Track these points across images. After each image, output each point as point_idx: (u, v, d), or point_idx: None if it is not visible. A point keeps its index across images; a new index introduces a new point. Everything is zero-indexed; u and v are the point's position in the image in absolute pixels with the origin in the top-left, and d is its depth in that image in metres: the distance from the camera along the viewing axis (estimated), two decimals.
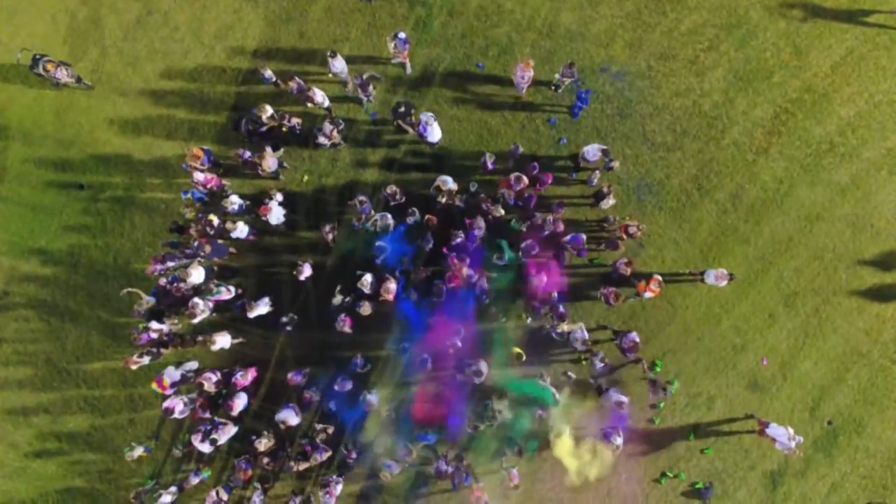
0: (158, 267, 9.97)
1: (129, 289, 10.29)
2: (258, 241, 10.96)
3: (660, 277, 10.05)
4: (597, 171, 10.66)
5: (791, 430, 9.79)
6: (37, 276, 11.28)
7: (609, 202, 10.35)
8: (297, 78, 10.40)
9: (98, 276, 11.25)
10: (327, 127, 10.30)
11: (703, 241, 11.20)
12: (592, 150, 10.23)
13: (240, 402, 9.78)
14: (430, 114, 10.17)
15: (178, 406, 9.54)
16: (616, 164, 10.64)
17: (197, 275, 9.69)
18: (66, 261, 11.30)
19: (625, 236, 10.37)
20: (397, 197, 10.41)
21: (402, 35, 10.27)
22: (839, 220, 11.23)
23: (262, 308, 10.06)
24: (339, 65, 10.34)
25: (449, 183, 10.10)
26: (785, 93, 11.42)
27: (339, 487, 10.05)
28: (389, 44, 10.37)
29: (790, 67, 11.47)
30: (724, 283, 10.30)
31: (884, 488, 10.93)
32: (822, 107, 11.40)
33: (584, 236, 10.16)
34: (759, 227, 11.21)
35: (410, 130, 10.90)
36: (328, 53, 10.20)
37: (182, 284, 9.63)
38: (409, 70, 11.35)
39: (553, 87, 11.24)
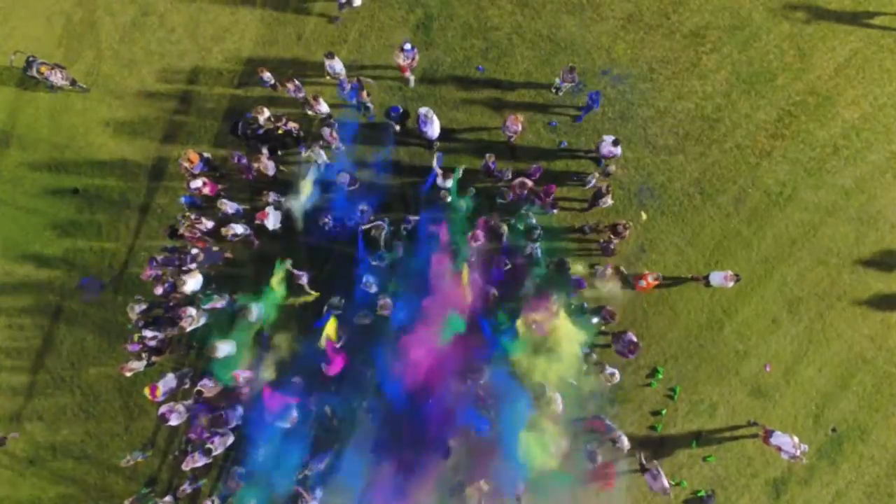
0: (154, 272, 9.86)
1: (133, 301, 10.09)
2: (254, 247, 10.81)
3: (660, 275, 10.14)
4: (595, 173, 10.53)
5: (796, 439, 9.64)
6: (31, 280, 11.14)
7: (607, 202, 10.22)
8: (295, 80, 10.31)
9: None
10: (325, 131, 10.18)
11: (706, 245, 11.07)
12: (608, 140, 10.10)
13: (235, 412, 9.64)
14: (428, 108, 9.98)
15: (174, 414, 9.39)
16: (613, 168, 10.53)
17: (193, 282, 9.56)
18: (60, 265, 11.16)
19: (613, 236, 10.24)
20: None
21: (407, 46, 10.07)
22: (843, 224, 11.10)
23: (257, 314, 9.89)
24: (337, 66, 10.23)
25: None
26: (788, 95, 11.30)
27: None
28: (398, 56, 10.17)
29: (793, 70, 11.35)
30: (732, 283, 10.15)
31: (889, 496, 10.79)
32: (826, 109, 11.28)
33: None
34: (762, 231, 11.08)
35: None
36: (326, 55, 10.09)
37: (177, 293, 9.48)
38: (412, 84, 11.20)
39: (553, 91, 11.11)
